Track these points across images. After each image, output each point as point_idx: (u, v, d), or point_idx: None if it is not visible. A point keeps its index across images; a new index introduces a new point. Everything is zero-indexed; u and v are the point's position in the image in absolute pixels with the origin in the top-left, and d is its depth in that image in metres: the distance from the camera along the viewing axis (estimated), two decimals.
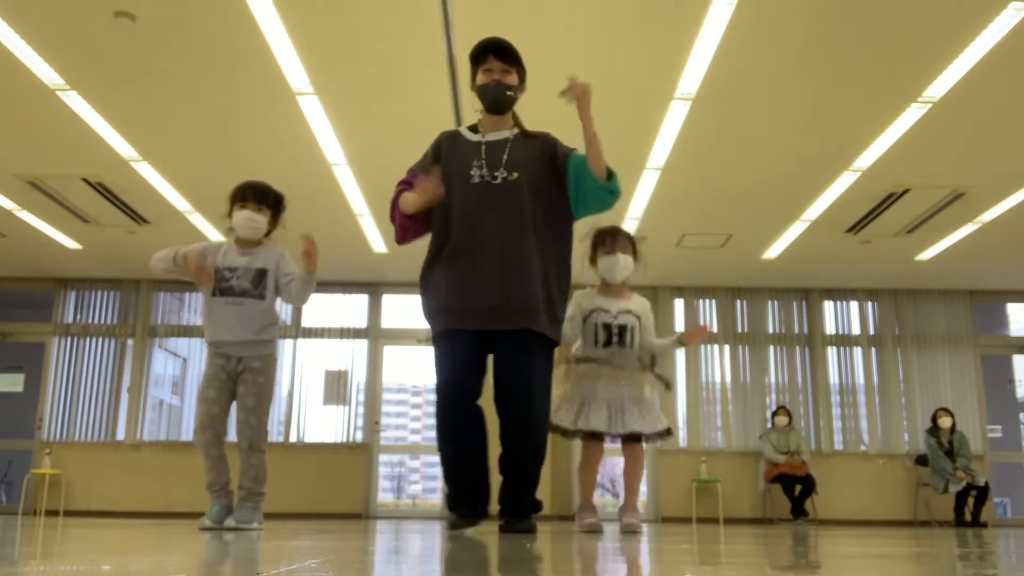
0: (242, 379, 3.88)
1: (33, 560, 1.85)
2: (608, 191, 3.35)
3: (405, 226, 3.45)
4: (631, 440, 3.84)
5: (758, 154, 6.58)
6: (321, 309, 10.26)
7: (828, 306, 10.19)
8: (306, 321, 10.08)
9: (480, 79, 3.41)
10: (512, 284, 3.26)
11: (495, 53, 3.40)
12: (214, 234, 8.37)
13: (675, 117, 5.93)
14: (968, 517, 8.64)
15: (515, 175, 3.33)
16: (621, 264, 3.88)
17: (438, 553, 2.37)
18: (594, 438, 3.83)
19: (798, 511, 8.79)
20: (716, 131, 6.19)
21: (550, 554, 2.28)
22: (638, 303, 3.97)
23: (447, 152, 3.44)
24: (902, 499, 9.47)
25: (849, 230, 8.05)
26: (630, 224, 7.97)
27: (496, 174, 3.33)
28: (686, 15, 4.77)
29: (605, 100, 5.88)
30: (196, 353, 10.23)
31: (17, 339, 10.26)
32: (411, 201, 3.34)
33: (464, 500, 3.41)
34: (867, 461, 9.68)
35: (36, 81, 5.47)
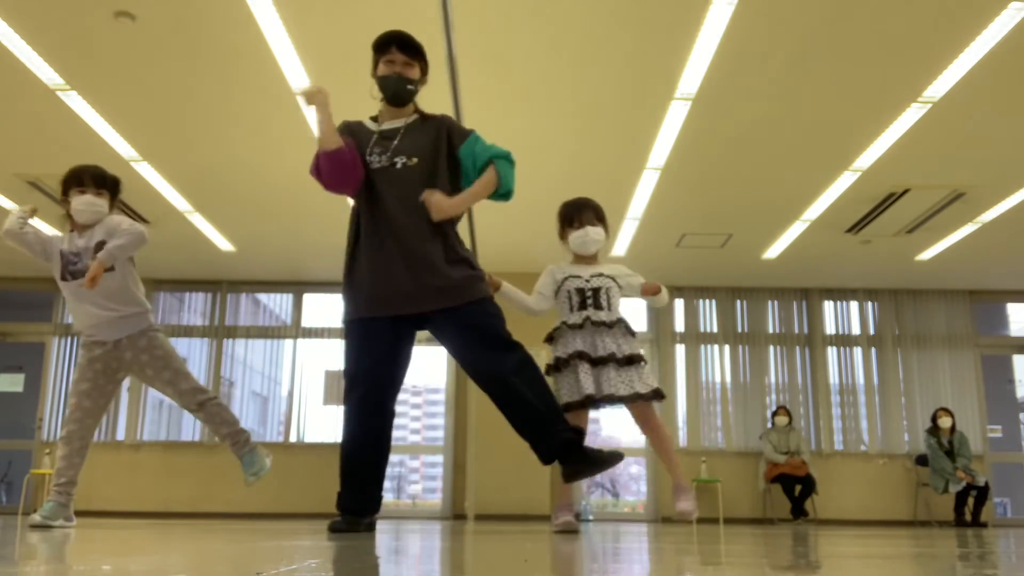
0: (140, 362, 3.83)
1: (33, 560, 1.85)
2: (498, 195, 3.38)
3: (338, 172, 3.34)
4: (630, 404, 3.75)
5: (758, 154, 6.58)
6: (321, 309, 10.28)
7: (828, 306, 10.19)
8: (306, 321, 10.08)
9: (381, 70, 3.40)
10: (432, 263, 3.24)
11: (398, 45, 3.40)
12: (215, 234, 8.37)
13: (675, 117, 5.93)
14: (968, 517, 8.65)
15: (414, 160, 3.32)
16: (592, 236, 3.88)
17: (438, 553, 2.37)
18: (577, 407, 3.71)
19: (798, 511, 8.79)
20: (716, 131, 6.19)
21: (549, 555, 2.29)
22: (612, 267, 3.94)
23: (357, 136, 3.43)
24: (902, 499, 9.48)
25: (849, 230, 8.05)
26: (630, 224, 7.98)
27: (396, 160, 3.32)
28: (686, 15, 4.77)
29: (605, 100, 5.91)
30: (196, 353, 10.24)
31: (17, 339, 10.26)
32: (321, 126, 3.30)
33: (353, 504, 3.49)
34: (867, 461, 9.68)
35: (36, 81, 5.47)
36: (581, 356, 3.70)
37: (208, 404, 3.91)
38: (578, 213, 3.91)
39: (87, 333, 3.86)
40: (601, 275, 3.87)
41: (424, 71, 3.47)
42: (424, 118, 3.45)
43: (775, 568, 1.79)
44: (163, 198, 7.40)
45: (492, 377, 3.29)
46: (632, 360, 3.75)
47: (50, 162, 6.79)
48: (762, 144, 6.41)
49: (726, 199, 7.48)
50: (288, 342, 10.05)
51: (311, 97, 3.32)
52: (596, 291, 3.82)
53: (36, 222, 3.96)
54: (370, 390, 3.31)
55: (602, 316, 3.78)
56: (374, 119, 3.48)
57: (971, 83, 5.35)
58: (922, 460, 9.14)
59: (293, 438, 9.87)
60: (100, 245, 3.79)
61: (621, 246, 8.53)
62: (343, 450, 3.42)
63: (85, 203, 3.83)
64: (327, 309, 10.27)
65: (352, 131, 3.43)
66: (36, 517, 3.74)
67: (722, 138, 6.31)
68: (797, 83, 5.51)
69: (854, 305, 10.17)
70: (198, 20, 4.88)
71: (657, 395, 3.77)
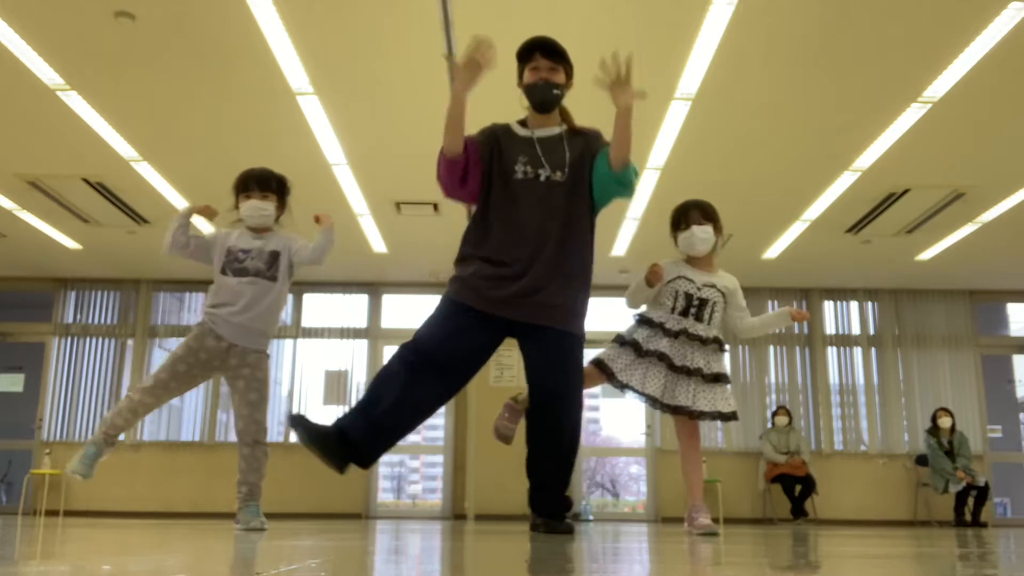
0: (240, 375, 3.88)
1: (33, 560, 1.85)
2: (616, 181, 3.32)
3: (448, 180, 3.34)
4: (684, 416, 3.68)
5: (758, 154, 6.57)
6: (321, 309, 10.27)
7: (828, 306, 10.19)
8: (306, 321, 10.08)
9: (527, 78, 3.39)
10: (546, 282, 3.23)
11: (542, 51, 3.39)
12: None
13: (675, 117, 5.93)
14: (968, 517, 8.65)
15: (558, 174, 3.31)
16: (698, 235, 3.81)
17: (438, 553, 2.37)
18: (600, 375, 3.69)
19: (798, 511, 8.79)
20: (716, 131, 6.19)
21: (549, 554, 2.28)
22: (725, 279, 3.88)
23: (504, 143, 3.38)
24: (902, 499, 9.47)
25: (849, 230, 8.05)
26: (630, 224, 7.97)
27: (540, 172, 3.30)
28: (686, 15, 4.77)
29: (605, 100, 5.89)
30: None
31: (17, 339, 10.26)
32: (458, 83, 3.24)
33: (355, 438, 3.13)
34: (867, 461, 9.68)
35: (36, 81, 5.47)
36: (662, 358, 3.65)
37: (260, 446, 3.94)
38: (684, 214, 3.86)
39: (211, 320, 3.87)
40: (714, 287, 3.82)
41: (569, 75, 3.46)
42: (574, 132, 3.43)
43: (775, 568, 1.79)
44: (163, 198, 7.40)
45: (545, 418, 3.32)
46: (718, 379, 3.70)
47: (50, 162, 6.80)
48: (762, 144, 6.41)
49: (726, 199, 7.44)
50: (288, 342, 10.05)
51: (476, 56, 3.18)
52: (703, 303, 3.76)
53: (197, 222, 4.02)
54: (424, 353, 3.18)
55: (700, 331, 3.71)
56: (522, 123, 3.45)
57: (971, 83, 5.35)
58: (922, 460, 9.13)
59: (293, 438, 9.85)
60: (274, 254, 3.89)
61: (621, 246, 8.53)
62: (372, 380, 3.25)
63: (251, 208, 3.93)
64: (326, 309, 10.27)
65: (493, 137, 3.38)
66: (77, 466, 3.75)
67: (722, 138, 6.31)
68: (797, 83, 5.51)
69: (854, 305, 10.16)
70: (198, 20, 4.88)
71: (734, 416, 3.71)
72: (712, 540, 3.16)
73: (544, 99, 3.39)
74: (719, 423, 4.15)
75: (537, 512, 3.42)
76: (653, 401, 3.65)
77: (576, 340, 3.33)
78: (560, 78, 3.41)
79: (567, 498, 3.43)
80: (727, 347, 3.81)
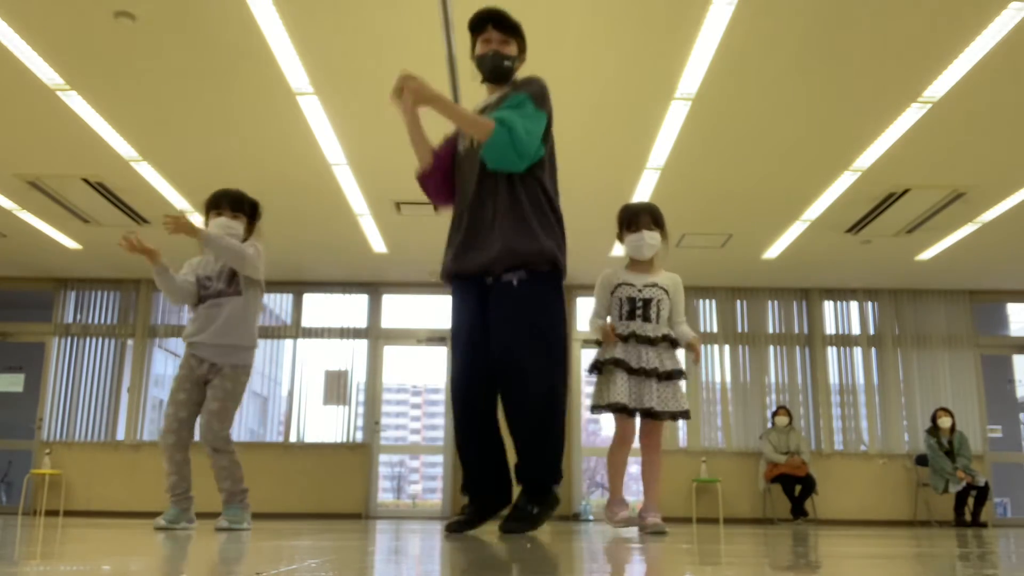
0: (210, 384, 3.91)
1: (33, 560, 1.85)
2: (490, 156, 3.17)
3: (427, 191, 3.46)
4: (648, 418, 3.76)
5: (758, 154, 6.57)
6: (321, 309, 10.27)
7: (828, 306, 10.19)
8: (306, 321, 10.08)
9: (479, 49, 3.36)
10: (493, 239, 3.17)
11: (494, 23, 3.35)
12: None
13: (675, 117, 5.93)
14: (968, 517, 8.65)
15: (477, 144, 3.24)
16: (647, 240, 3.86)
17: (438, 553, 2.37)
18: (623, 413, 3.76)
19: (798, 511, 8.79)
20: (716, 131, 6.19)
21: (548, 555, 2.28)
22: (667, 278, 3.92)
23: None
24: (902, 499, 9.48)
25: (849, 230, 8.05)
26: None
27: (473, 142, 3.29)
28: (686, 15, 4.77)
29: (605, 100, 5.90)
30: None
31: (17, 339, 10.26)
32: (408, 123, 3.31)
33: (474, 491, 3.26)
34: (867, 461, 9.68)
35: (36, 81, 5.47)
36: (618, 363, 3.70)
37: (222, 454, 3.89)
38: (635, 217, 3.90)
39: (190, 342, 3.94)
40: (655, 285, 3.85)
41: (522, 48, 3.41)
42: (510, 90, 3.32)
43: (775, 568, 1.79)
44: (163, 198, 7.40)
45: (512, 366, 3.15)
46: (672, 376, 3.76)
47: (50, 162, 6.80)
48: (762, 144, 6.41)
49: (726, 199, 7.48)
50: (288, 342, 10.05)
51: (399, 89, 3.22)
52: (647, 302, 3.80)
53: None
54: (466, 386, 3.22)
55: (648, 331, 3.76)
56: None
57: (971, 83, 5.35)
58: (922, 460, 9.13)
59: (293, 438, 9.86)
60: (232, 271, 3.92)
61: (621, 247, 8.53)
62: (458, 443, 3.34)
63: (219, 225, 3.93)
64: (326, 309, 10.27)
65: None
66: (161, 521, 3.72)
67: (722, 138, 6.31)
68: (797, 83, 5.51)
69: (854, 305, 10.17)
70: (198, 20, 4.88)
71: (687, 415, 3.79)
72: (660, 539, 3.20)
73: (495, 70, 3.34)
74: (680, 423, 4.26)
75: (519, 479, 3.24)
76: (622, 408, 3.69)
77: (536, 276, 3.26)
78: (512, 50, 3.37)
79: (556, 494, 3.23)
80: (680, 345, 3.84)
